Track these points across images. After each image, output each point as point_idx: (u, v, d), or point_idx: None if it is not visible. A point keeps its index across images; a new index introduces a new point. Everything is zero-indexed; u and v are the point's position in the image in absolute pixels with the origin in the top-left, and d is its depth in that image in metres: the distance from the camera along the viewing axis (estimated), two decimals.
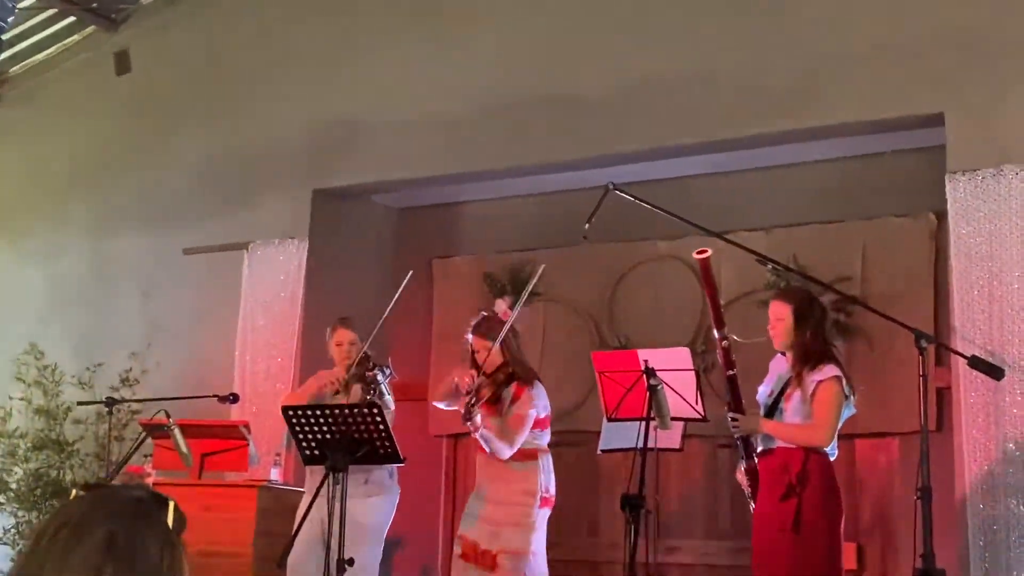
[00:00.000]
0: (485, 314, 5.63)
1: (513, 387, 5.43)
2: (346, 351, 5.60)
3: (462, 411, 5.23)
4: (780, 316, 4.80)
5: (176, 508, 1.66)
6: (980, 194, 5.68)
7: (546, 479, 5.42)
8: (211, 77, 8.07)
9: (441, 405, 5.65)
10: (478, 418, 5.26)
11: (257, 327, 7.37)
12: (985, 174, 5.67)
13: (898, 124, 6.05)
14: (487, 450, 5.39)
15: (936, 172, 5.89)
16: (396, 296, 5.41)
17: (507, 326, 5.41)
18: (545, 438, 5.49)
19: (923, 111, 5.89)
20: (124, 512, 1.61)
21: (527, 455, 5.39)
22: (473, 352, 5.49)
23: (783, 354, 4.89)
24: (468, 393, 5.24)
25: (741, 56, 6.37)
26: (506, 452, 5.34)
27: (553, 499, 5.45)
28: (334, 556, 4.66)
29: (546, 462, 5.46)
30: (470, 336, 5.52)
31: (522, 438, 5.36)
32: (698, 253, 4.92)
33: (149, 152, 8.19)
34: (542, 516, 5.40)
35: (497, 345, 5.35)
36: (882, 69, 6.00)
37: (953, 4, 5.92)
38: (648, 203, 5.20)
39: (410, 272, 5.51)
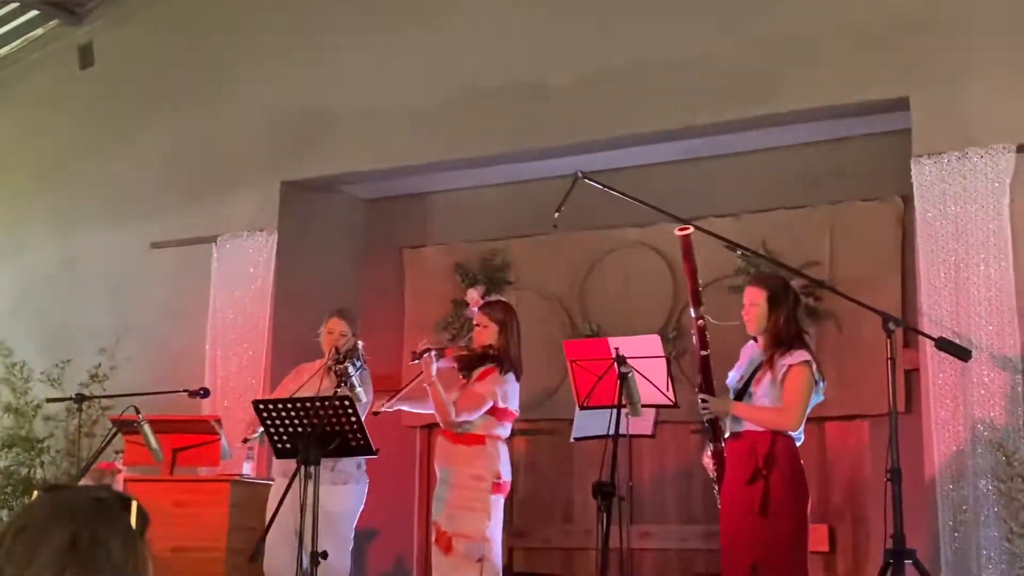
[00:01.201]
0: (503, 300, 5.75)
1: (486, 367, 5.45)
2: (335, 340, 5.60)
3: (413, 353, 5.30)
4: (754, 301, 4.83)
5: (139, 508, 1.65)
6: (946, 177, 5.71)
7: (495, 465, 5.39)
8: (176, 70, 8.01)
9: (405, 407, 5.64)
10: (434, 367, 5.25)
11: (227, 321, 7.34)
12: (950, 157, 5.71)
13: (864, 109, 6.08)
14: (434, 409, 5.40)
15: (902, 156, 5.92)
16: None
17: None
18: (501, 429, 5.46)
19: (888, 95, 5.92)
20: (86, 513, 1.60)
21: (475, 439, 5.39)
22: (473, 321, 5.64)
23: (755, 340, 4.92)
24: (420, 351, 5.28)
25: (706, 43, 6.39)
26: (451, 417, 5.32)
27: (507, 485, 5.44)
28: (307, 549, 4.65)
29: (495, 448, 5.41)
30: (476, 310, 5.63)
31: (470, 415, 5.35)
32: (680, 230, 4.94)
33: (115, 146, 8.13)
34: (495, 502, 5.38)
35: (495, 327, 5.45)
36: (847, 54, 6.03)
37: None
38: (617, 191, 5.21)
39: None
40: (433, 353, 5.28)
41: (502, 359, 5.46)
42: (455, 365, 5.55)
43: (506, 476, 5.43)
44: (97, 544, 1.59)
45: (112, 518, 1.62)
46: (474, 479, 5.35)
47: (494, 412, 5.40)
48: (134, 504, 1.65)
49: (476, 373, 5.45)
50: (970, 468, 5.41)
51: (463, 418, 5.33)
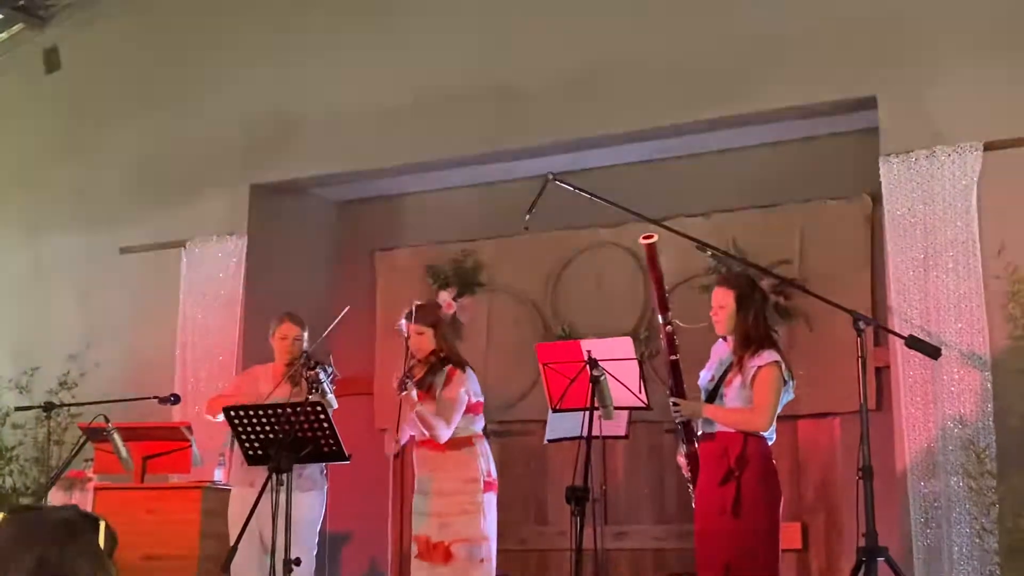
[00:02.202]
0: (417, 303, 5.68)
1: (446, 370, 5.45)
2: (290, 345, 5.61)
3: (395, 387, 5.30)
4: (722, 302, 4.83)
5: (107, 528, 1.64)
6: (914, 176, 5.75)
7: (486, 463, 5.43)
8: (144, 73, 7.94)
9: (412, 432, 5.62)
10: (414, 393, 5.27)
11: (197, 326, 7.29)
12: (918, 155, 5.75)
13: (832, 108, 6.11)
14: (423, 432, 5.38)
15: (870, 154, 5.95)
16: (330, 327, 5.40)
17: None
18: (479, 423, 5.51)
19: (856, 95, 5.96)
20: (54, 535, 1.59)
21: (463, 442, 5.41)
22: (407, 339, 5.55)
23: (724, 339, 4.92)
24: (399, 385, 5.29)
25: (676, 44, 6.40)
26: (443, 431, 5.33)
27: (496, 483, 5.47)
28: (280, 556, 4.63)
29: (483, 447, 5.47)
30: (403, 323, 5.57)
31: (458, 418, 5.37)
32: (644, 238, 4.92)
33: (83, 150, 8.06)
34: (488, 500, 5.40)
35: (430, 331, 5.43)
36: (815, 54, 6.06)
37: None
38: (588, 192, 5.20)
39: (347, 307, 5.49)
40: (410, 382, 5.29)
41: (453, 357, 5.49)
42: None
43: (494, 473, 5.47)
44: (65, 566, 1.57)
45: (80, 539, 1.61)
46: (468, 482, 5.36)
47: (469, 408, 5.44)
48: (102, 524, 1.63)
49: (440, 379, 5.44)
50: (941, 465, 5.45)
51: (452, 427, 5.35)
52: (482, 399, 5.54)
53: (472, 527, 5.33)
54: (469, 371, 5.51)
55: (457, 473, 5.38)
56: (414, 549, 5.45)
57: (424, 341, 5.48)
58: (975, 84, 5.70)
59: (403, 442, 5.53)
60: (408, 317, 5.54)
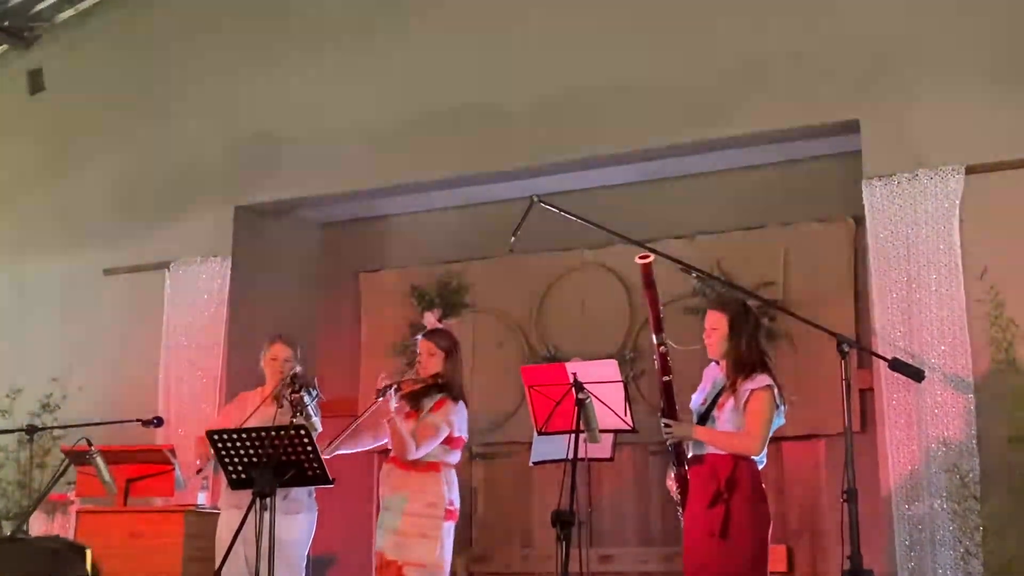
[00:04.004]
0: (445, 328, 5.70)
1: (437, 398, 5.44)
2: (280, 366, 5.59)
3: (377, 390, 5.27)
4: (715, 326, 4.83)
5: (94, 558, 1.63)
6: (896, 198, 5.79)
7: (449, 492, 5.40)
8: (128, 94, 7.94)
9: (343, 450, 5.49)
10: (393, 402, 5.25)
11: (181, 348, 7.27)
12: (901, 179, 5.79)
13: (815, 131, 6.15)
14: (391, 443, 5.37)
15: (853, 177, 5.99)
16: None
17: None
18: (453, 456, 5.47)
19: (839, 118, 5.99)
20: (39, 565, 1.58)
21: (430, 467, 5.38)
22: (418, 356, 5.57)
23: (716, 363, 4.92)
24: (381, 389, 5.26)
25: (660, 67, 6.43)
26: (409, 450, 5.30)
27: (457, 512, 5.45)
28: None
29: (449, 476, 5.43)
30: (419, 338, 5.59)
31: (429, 446, 5.34)
32: (640, 258, 4.90)
33: (66, 172, 8.04)
34: (447, 529, 5.38)
35: (442, 355, 5.43)
36: (798, 78, 6.10)
37: (865, 13, 6.03)
38: (572, 214, 5.21)
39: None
40: (393, 389, 5.27)
41: (451, 387, 5.46)
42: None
43: (457, 503, 5.44)
44: None
45: (66, 569, 1.60)
46: (429, 507, 5.33)
47: (447, 440, 5.40)
48: (88, 554, 1.63)
49: (429, 404, 5.43)
50: (925, 488, 5.46)
51: (423, 451, 5.32)
52: (465, 436, 5.49)
53: (429, 553, 5.29)
54: (461, 405, 5.47)
55: (418, 495, 5.36)
56: (375, 562, 5.44)
57: (432, 363, 5.47)
58: (957, 108, 5.74)
59: (328, 455, 5.19)
60: (425, 334, 5.55)
